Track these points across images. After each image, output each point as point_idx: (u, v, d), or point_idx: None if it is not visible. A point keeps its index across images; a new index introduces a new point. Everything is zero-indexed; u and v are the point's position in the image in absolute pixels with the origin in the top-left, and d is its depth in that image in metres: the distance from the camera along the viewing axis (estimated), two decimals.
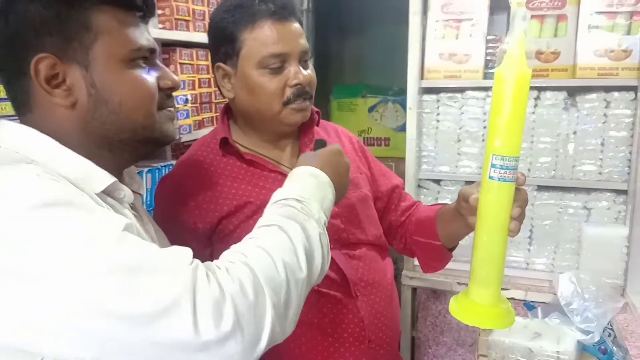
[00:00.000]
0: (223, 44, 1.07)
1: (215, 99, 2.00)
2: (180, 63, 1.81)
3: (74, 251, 0.58)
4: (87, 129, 0.74)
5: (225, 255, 0.69)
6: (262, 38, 1.03)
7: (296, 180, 0.84)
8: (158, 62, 0.81)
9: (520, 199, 0.85)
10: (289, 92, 1.05)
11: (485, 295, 0.87)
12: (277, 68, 1.04)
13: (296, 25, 1.07)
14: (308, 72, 1.07)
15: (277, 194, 0.82)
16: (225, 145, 1.11)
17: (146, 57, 0.78)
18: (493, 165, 0.82)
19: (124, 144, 0.77)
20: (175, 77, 0.82)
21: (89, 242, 0.59)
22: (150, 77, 0.78)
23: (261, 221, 0.76)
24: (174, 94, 0.85)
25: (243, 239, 0.73)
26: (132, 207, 0.82)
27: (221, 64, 1.09)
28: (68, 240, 0.58)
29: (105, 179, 0.73)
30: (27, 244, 0.58)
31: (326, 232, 0.79)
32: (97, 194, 0.71)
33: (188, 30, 1.84)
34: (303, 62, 1.07)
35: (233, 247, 0.71)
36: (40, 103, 0.73)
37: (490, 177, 0.82)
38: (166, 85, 0.80)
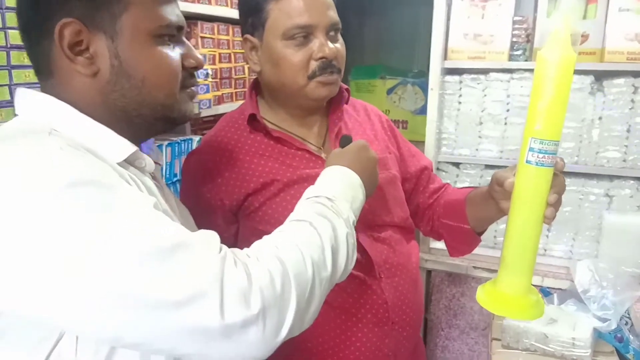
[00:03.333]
0: (250, 15, 1.06)
1: (235, 74, 1.97)
2: (201, 37, 1.79)
3: (105, 235, 0.57)
4: (106, 100, 0.73)
5: (257, 245, 0.70)
6: (287, 8, 1.01)
7: (328, 179, 0.86)
8: (184, 39, 0.79)
9: (557, 185, 0.83)
10: (314, 65, 1.03)
11: (515, 284, 0.85)
12: (303, 40, 1.01)
13: None
14: (335, 46, 1.04)
15: (310, 191, 0.83)
16: (253, 121, 1.10)
17: (173, 34, 0.76)
18: (531, 149, 0.79)
19: (142, 119, 0.75)
20: (200, 56, 0.80)
21: (121, 224, 0.58)
22: (175, 55, 0.76)
23: (293, 215, 0.78)
24: None
25: (274, 232, 0.74)
26: (153, 176, 0.81)
27: (248, 36, 1.07)
28: (100, 223, 0.57)
29: (126, 147, 0.72)
30: (59, 226, 0.56)
31: (354, 232, 0.80)
32: (119, 163, 0.70)
33: (210, 3, 1.82)
34: (331, 35, 1.04)
35: (265, 237, 0.72)
36: (61, 69, 0.71)
37: (528, 161, 0.80)
38: (190, 64, 0.79)
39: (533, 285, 1.88)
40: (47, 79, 0.73)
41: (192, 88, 0.82)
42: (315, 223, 0.74)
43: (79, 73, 0.71)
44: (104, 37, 0.70)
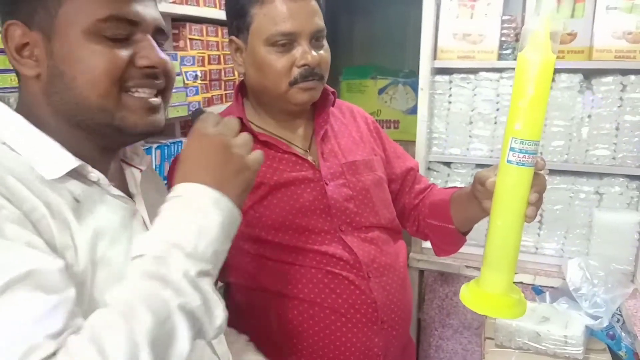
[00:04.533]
0: (235, 18, 1.06)
1: (225, 76, 1.97)
2: (190, 39, 1.79)
3: None
4: (51, 104, 0.69)
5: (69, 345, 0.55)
6: (271, 14, 1.01)
7: (163, 216, 0.64)
8: (148, 36, 0.71)
9: (538, 184, 0.83)
10: (296, 72, 1.03)
11: (497, 282, 0.85)
12: (286, 46, 1.02)
13: (311, 2, 1.03)
14: (319, 53, 1.04)
15: (136, 246, 0.63)
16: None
17: (120, 30, 0.68)
18: (512, 149, 0.80)
19: (86, 126, 0.70)
20: (160, 55, 0.71)
21: None
22: (114, 52, 0.67)
23: (110, 297, 0.59)
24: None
25: (86, 322, 0.57)
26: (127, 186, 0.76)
27: (234, 38, 1.08)
28: None
29: (66, 163, 0.67)
30: None
31: (198, 292, 0.60)
32: (61, 178, 0.66)
33: (198, 5, 1.81)
34: (315, 42, 1.04)
35: (73, 338, 0.55)
36: (18, 72, 0.69)
37: (509, 161, 0.80)
38: (141, 63, 0.69)
39: (525, 283, 1.91)
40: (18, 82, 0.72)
41: (151, 99, 0.71)
42: (129, 313, 0.56)
43: (27, 76, 0.68)
44: (43, 36, 0.67)
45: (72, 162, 0.68)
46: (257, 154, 0.70)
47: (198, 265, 0.61)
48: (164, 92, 0.75)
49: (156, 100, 0.73)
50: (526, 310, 0.85)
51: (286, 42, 1.01)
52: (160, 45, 0.75)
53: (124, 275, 0.61)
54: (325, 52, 1.07)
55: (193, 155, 0.68)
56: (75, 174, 0.69)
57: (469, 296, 0.86)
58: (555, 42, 0.76)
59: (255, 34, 1.03)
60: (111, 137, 0.73)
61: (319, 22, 1.04)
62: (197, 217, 0.63)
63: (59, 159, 0.67)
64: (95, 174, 0.71)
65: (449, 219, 1.13)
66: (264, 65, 1.03)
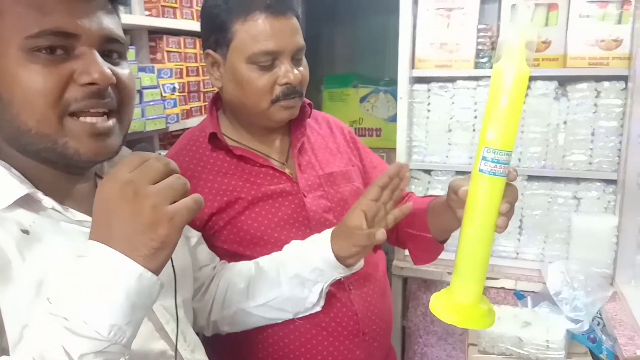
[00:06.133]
0: (214, 32, 1.05)
1: (204, 87, 1.97)
2: (167, 51, 1.79)
3: None
4: None
5: None
6: (254, 32, 1.00)
7: (62, 281, 0.56)
8: (90, 50, 0.64)
9: (510, 195, 0.83)
10: (278, 90, 1.03)
11: (466, 291, 0.83)
12: (268, 65, 1.01)
13: (292, 20, 1.03)
14: (300, 70, 1.04)
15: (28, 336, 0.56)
16: (214, 139, 1.09)
17: (58, 45, 0.62)
18: (484, 158, 0.80)
19: (33, 151, 0.65)
20: (103, 70, 0.64)
21: None
22: (50, 71, 0.62)
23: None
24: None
25: None
26: None
27: (211, 52, 1.07)
28: None
29: (13, 191, 0.64)
30: None
31: None
32: (10, 206, 0.63)
33: (175, 17, 1.81)
34: (296, 60, 1.04)
35: None
36: None
37: (481, 170, 0.80)
38: (80, 80, 0.63)
39: (506, 288, 1.91)
40: None
41: (98, 124, 0.65)
42: None
43: None
44: None
45: (19, 190, 0.64)
46: (186, 202, 0.57)
47: (84, 345, 0.52)
48: (119, 110, 0.69)
49: (106, 124, 0.67)
50: (494, 321, 0.84)
51: (268, 61, 1.01)
52: (119, 56, 0.70)
53: None
54: (304, 69, 1.07)
55: (100, 206, 0.57)
56: (27, 202, 0.65)
57: (438, 306, 0.85)
58: (530, 50, 0.77)
59: (236, 50, 1.02)
60: (60, 163, 0.68)
61: (300, 40, 1.04)
62: (95, 287, 0.54)
63: (6, 187, 0.64)
64: (48, 201, 0.66)
65: (425, 228, 1.12)
66: (245, 83, 1.02)
